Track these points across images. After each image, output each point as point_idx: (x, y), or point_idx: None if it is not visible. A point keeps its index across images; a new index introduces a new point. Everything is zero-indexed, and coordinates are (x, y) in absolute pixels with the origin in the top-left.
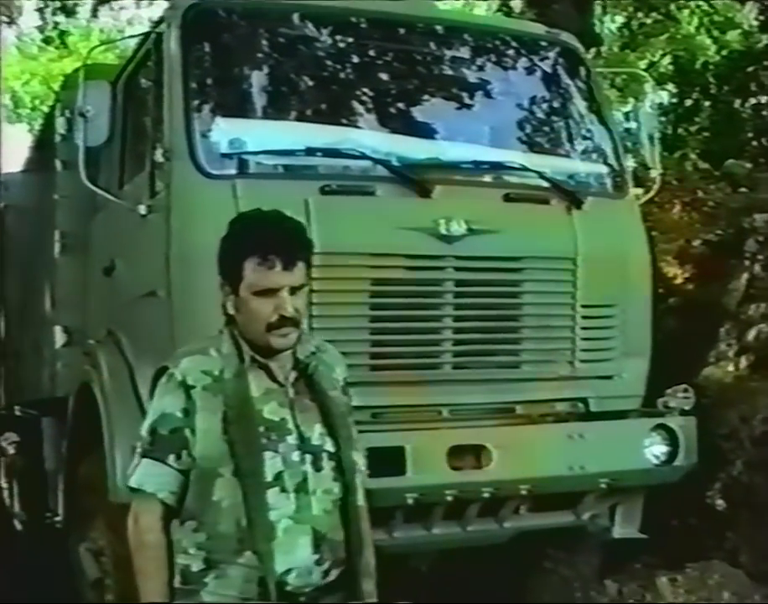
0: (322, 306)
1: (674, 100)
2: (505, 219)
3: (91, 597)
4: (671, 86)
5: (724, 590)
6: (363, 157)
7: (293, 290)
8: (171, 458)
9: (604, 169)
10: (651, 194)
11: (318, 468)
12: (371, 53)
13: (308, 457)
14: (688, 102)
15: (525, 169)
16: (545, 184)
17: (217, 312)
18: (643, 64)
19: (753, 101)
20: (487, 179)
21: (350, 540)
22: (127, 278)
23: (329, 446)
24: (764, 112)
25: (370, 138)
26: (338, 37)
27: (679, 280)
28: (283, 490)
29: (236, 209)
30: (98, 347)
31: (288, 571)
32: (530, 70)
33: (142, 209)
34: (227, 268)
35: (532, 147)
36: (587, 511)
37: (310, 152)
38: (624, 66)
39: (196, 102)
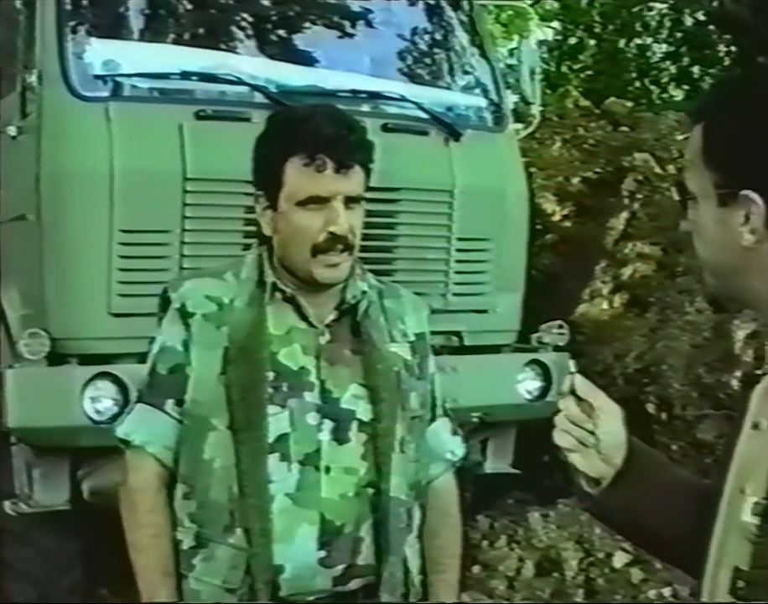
0: (195, 233)
1: (558, 37)
2: (382, 149)
3: None
4: (555, 24)
5: (596, 526)
6: (240, 82)
7: (348, 202)
8: (169, 404)
9: (483, 103)
10: (531, 129)
11: (341, 439)
12: None
13: (329, 424)
14: (572, 40)
15: (404, 99)
16: (424, 115)
17: (87, 236)
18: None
19: (637, 41)
20: (365, 108)
21: (380, 542)
22: None
23: (364, 414)
24: (647, 53)
25: (247, 64)
26: None
27: (557, 217)
28: (285, 458)
29: (109, 132)
30: None
31: (281, 568)
32: (412, 1)
33: (12, 130)
34: (263, 173)
35: (412, 78)
36: None
37: (186, 76)
38: (508, 1)
39: (70, 23)
